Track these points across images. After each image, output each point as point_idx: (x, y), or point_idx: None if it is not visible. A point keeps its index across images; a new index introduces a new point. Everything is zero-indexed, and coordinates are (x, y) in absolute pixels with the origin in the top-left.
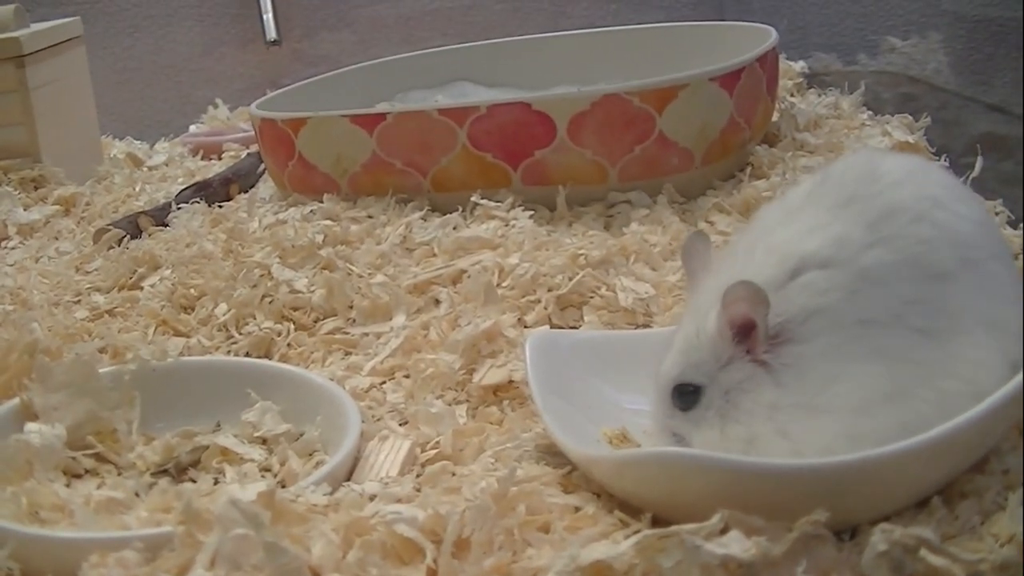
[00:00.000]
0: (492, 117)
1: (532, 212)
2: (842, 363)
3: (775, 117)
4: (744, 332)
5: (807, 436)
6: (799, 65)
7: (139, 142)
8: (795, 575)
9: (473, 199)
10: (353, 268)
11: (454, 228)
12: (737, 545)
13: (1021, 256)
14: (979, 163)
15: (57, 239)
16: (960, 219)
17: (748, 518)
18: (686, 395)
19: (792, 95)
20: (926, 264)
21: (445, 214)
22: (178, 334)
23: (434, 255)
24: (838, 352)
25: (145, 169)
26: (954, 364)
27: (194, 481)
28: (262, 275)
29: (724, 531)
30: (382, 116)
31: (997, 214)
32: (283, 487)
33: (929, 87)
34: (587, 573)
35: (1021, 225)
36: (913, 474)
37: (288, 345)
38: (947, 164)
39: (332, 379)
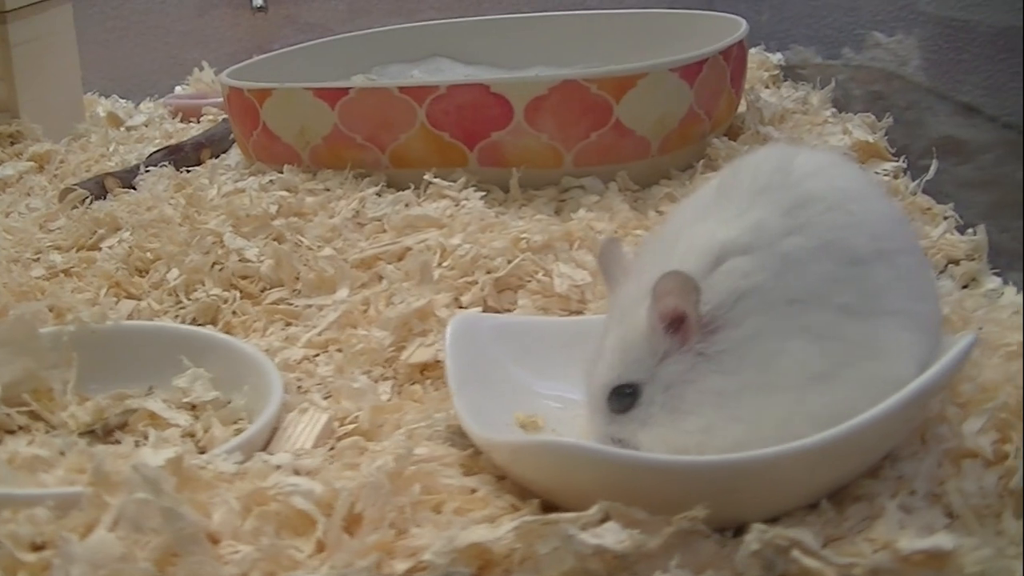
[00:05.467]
0: (451, 97)
1: (485, 193)
2: (778, 340)
3: (743, 109)
4: (676, 324)
5: (761, 417)
6: (776, 57)
7: (124, 101)
8: (668, 568)
9: (426, 178)
10: (303, 240)
11: (406, 205)
12: (611, 536)
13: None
14: (934, 166)
15: (29, 195)
16: (872, 212)
17: (629, 510)
18: (624, 397)
19: (767, 87)
20: (843, 249)
21: (402, 190)
22: (130, 296)
23: (384, 231)
24: (772, 330)
25: (123, 129)
26: (875, 345)
27: (119, 443)
28: (214, 242)
29: (604, 521)
30: (344, 91)
31: (946, 218)
32: (203, 453)
33: (904, 85)
34: (464, 555)
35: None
36: (799, 476)
37: (233, 313)
38: (905, 165)
39: (269, 349)
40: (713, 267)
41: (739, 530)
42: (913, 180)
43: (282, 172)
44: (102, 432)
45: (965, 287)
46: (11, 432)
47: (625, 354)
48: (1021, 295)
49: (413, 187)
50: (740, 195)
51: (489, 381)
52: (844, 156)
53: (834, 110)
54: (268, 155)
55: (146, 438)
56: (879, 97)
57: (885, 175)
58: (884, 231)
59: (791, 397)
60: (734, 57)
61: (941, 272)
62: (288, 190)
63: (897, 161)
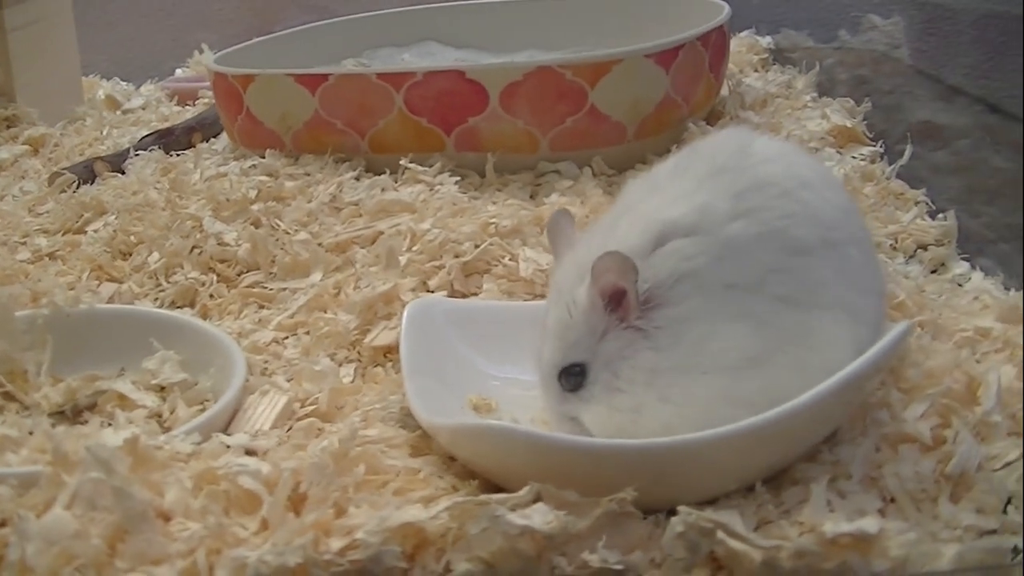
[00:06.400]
0: (428, 83)
1: (460, 178)
2: (713, 323)
3: (725, 93)
4: (616, 301)
5: (688, 399)
6: (766, 41)
7: (126, 83)
8: (596, 549)
9: (402, 162)
10: (280, 224)
11: (382, 190)
12: (539, 517)
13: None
14: (908, 151)
15: (23, 179)
16: (825, 202)
17: (560, 492)
18: (573, 376)
19: (756, 71)
20: (789, 238)
21: (381, 175)
22: (112, 280)
23: (359, 215)
24: (708, 313)
25: (119, 112)
26: (810, 335)
27: (86, 423)
28: (194, 226)
29: (535, 502)
30: (324, 77)
31: (917, 204)
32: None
33: (894, 67)
34: (397, 535)
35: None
36: (730, 460)
37: (210, 296)
38: (883, 150)
39: (240, 332)
40: (655, 246)
41: (672, 512)
42: (890, 165)
43: (264, 157)
44: (72, 413)
45: (934, 272)
46: None
47: (567, 334)
48: (986, 281)
49: (389, 172)
50: (693, 175)
51: (444, 365)
52: (801, 146)
53: (815, 95)
54: (252, 140)
55: (113, 419)
56: (864, 81)
57: (862, 160)
58: (833, 221)
59: (720, 381)
60: (713, 42)
61: (910, 257)
62: (269, 175)
63: (875, 146)
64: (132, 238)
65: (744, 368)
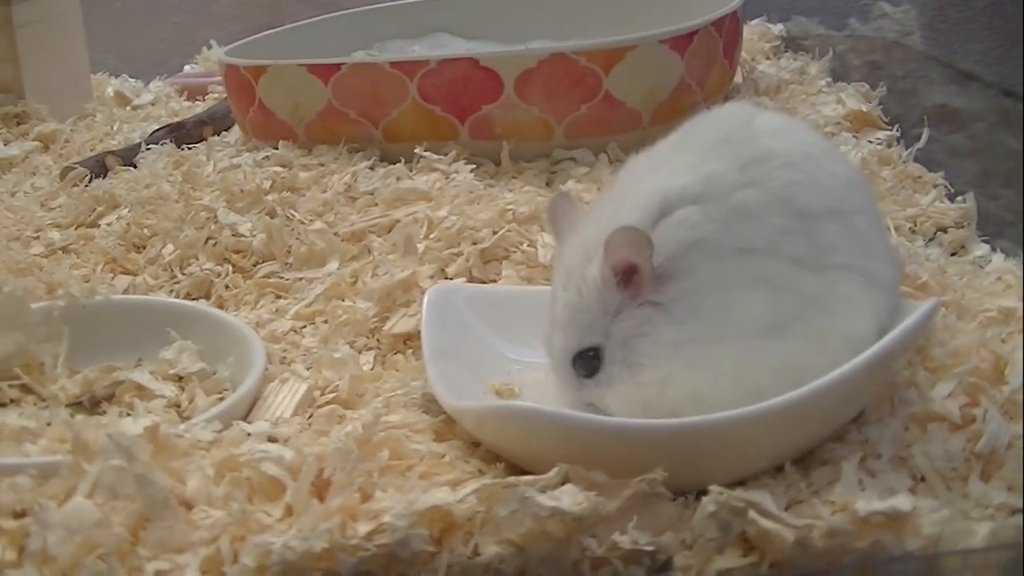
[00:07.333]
0: (441, 72)
1: (475, 166)
2: (729, 291)
3: (739, 80)
4: (628, 277)
5: (717, 365)
6: (777, 28)
7: (134, 80)
8: (626, 530)
9: (417, 151)
10: (295, 214)
11: (397, 179)
12: (569, 498)
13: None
14: (925, 134)
15: (34, 174)
16: (830, 174)
17: (589, 473)
18: (588, 361)
19: (768, 58)
20: (796, 204)
21: (395, 164)
22: (126, 272)
23: (375, 204)
24: (723, 281)
25: (129, 108)
26: (828, 298)
27: (104, 413)
28: (208, 218)
29: (563, 484)
30: (337, 67)
31: (936, 187)
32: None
33: (905, 54)
34: (424, 518)
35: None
36: (759, 439)
37: (225, 287)
38: (899, 134)
39: (258, 322)
40: (659, 216)
41: (701, 493)
42: (906, 149)
43: (277, 148)
44: (89, 404)
45: (953, 254)
46: (3, 405)
47: (579, 318)
48: (1008, 262)
49: (404, 161)
50: (696, 147)
51: (466, 350)
52: (803, 121)
53: (829, 80)
54: (264, 131)
55: (132, 409)
56: (877, 67)
57: (879, 144)
58: (838, 191)
59: (746, 346)
60: (727, 28)
61: (930, 240)
62: (283, 166)
63: (891, 130)
64: (146, 231)
65: (765, 334)
